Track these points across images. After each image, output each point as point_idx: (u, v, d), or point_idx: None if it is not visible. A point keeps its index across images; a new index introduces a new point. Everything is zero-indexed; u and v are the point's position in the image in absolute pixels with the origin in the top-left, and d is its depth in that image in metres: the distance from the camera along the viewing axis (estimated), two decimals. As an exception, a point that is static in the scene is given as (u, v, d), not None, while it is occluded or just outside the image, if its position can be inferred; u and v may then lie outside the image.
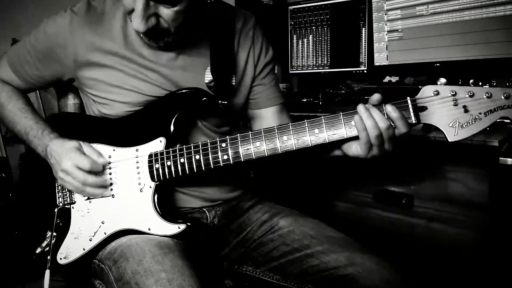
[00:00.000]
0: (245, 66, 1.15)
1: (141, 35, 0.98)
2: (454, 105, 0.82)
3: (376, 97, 0.91)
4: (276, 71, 1.24)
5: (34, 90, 1.23)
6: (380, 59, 1.80)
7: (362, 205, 1.67)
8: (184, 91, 1.05)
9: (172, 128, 1.03)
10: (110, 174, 1.06)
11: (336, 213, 1.75)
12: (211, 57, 1.10)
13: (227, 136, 0.97)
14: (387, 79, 1.90)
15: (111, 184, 1.05)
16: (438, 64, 1.63)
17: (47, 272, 1.03)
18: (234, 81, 1.12)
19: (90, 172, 1.01)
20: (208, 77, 1.09)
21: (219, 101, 1.05)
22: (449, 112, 0.83)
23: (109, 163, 1.06)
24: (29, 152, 1.14)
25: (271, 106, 1.20)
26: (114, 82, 1.06)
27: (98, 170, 1.02)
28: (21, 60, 1.14)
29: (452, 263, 1.44)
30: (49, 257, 1.05)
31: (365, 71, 1.87)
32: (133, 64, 1.06)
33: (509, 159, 1.08)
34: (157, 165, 1.01)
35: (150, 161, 1.02)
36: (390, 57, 1.77)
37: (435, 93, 0.84)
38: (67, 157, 1.01)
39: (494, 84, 0.81)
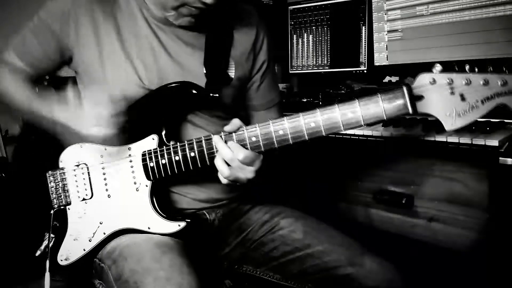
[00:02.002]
0: (243, 61, 1.14)
1: (191, 14, 0.98)
2: (451, 94, 0.81)
3: (232, 126, 0.95)
4: (276, 70, 1.24)
5: (42, 76, 1.17)
6: (380, 59, 1.80)
7: (362, 205, 1.67)
8: (172, 85, 1.03)
9: (163, 124, 1.01)
10: (104, 174, 1.05)
11: (336, 213, 1.74)
12: (205, 48, 1.08)
13: (221, 130, 0.96)
14: (387, 79, 1.90)
15: (106, 184, 1.04)
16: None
17: (47, 274, 1.03)
18: (228, 73, 1.10)
19: None
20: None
21: (210, 94, 1.04)
22: (446, 101, 0.81)
23: (102, 162, 1.04)
24: (20, 152, 1.13)
25: (267, 108, 1.20)
26: (109, 62, 1.04)
27: None
28: (25, 43, 1.10)
29: (452, 263, 1.44)
30: (48, 260, 1.04)
31: (365, 71, 1.87)
32: (133, 46, 1.04)
33: (509, 159, 1.08)
34: (151, 164, 1.00)
35: (144, 160, 1.00)
36: (390, 57, 1.77)
37: (432, 81, 0.82)
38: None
39: (491, 70, 0.79)
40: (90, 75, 1.07)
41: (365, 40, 1.84)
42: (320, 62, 1.99)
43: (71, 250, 1.06)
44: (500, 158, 1.09)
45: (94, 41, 1.04)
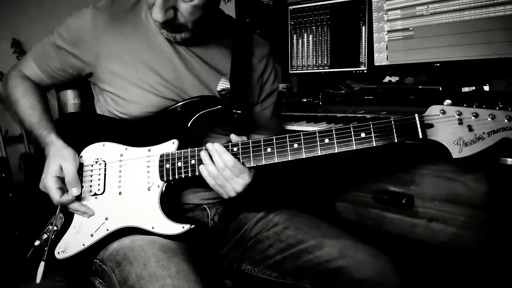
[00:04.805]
0: (254, 86, 1.20)
1: (161, 28, 1.03)
2: (459, 124, 0.86)
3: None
4: (278, 98, 1.31)
5: (57, 85, 1.24)
6: (380, 59, 1.80)
7: (362, 205, 1.67)
8: (199, 98, 1.07)
9: (186, 131, 1.05)
10: (120, 172, 1.07)
11: (336, 213, 1.74)
12: (232, 66, 1.14)
13: (239, 141, 0.99)
14: (387, 79, 1.90)
15: (120, 181, 1.07)
16: (438, 64, 1.63)
17: (42, 264, 1.03)
18: (249, 93, 1.17)
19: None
20: (222, 85, 1.12)
21: (234, 110, 1.08)
22: (454, 130, 0.87)
23: (120, 161, 1.08)
24: (31, 153, 1.15)
25: (266, 133, 1.23)
26: (132, 79, 1.08)
27: (67, 203, 1.04)
28: (44, 53, 1.16)
29: (452, 263, 1.44)
30: (46, 248, 1.05)
31: (365, 71, 1.87)
32: (154, 60, 1.08)
33: (509, 159, 1.08)
34: (167, 165, 1.03)
35: (161, 161, 1.04)
36: (390, 57, 1.77)
37: (442, 112, 0.88)
38: (43, 181, 1.04)
39: (499, 107, 0.85)
40: (113, 88, 1.10)
41: (365, 40, 1.84)
42: (320, 62, 1.99)
43: (70, 243, 1.06)
44: (500, 158, 1.09)
45: (116, 59, 1.08)
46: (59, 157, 1.04)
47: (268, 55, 1.25)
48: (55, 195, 1.02)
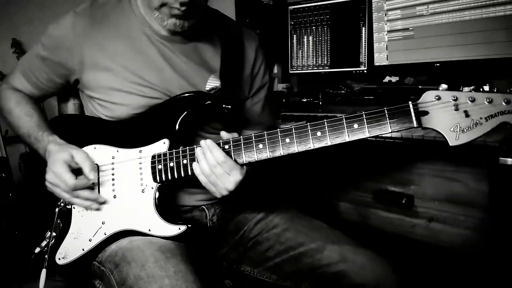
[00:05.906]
0: (244, 80, 1.18)
1: (170, 17, 1.00)
2: (455, 110, 0.83)
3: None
4: (269, 92, 1.28)
5: (48, 96, 1.23)
6: (380, 59, 1.80)
7: (362, 205, 1.67)
8: (187, 94, 1.05)
9: (176, 130, 1.03)
10: (112, 175, 1.06)
11: (336, 213, 1.74)
12: (221, 61, 1.12)
13: (230, 138, 0.97)
14: (387, 79, 1.90)
15: (113, 184, 1.06)
16: (438, 64, 1.63)
17: (43, 271, 1.03)
18: (239, 89, 1.15)
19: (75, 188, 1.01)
20: (211, 84, 1.10)
21: (224, 105, 1.06)
22: (450, 116, 0.83)
23: (112, 163, 1.06)
24: (31, 152, 1.15)
25: (258, 128, 1.21)
26: (116, 85, 1.07)
27: (83, 187, 1.02)
28: (30, 66, 1.16)
29: (452, 263, 1.44)
30: (46, 256, 1.05)
31: (365, 71, 1.87)
32: (137, 64, 1.07)
33: (509, 159, 1.08)
34: (159, 166, 1.01)
35: (153, 162, 1.02)
36: (390, 57, 1.77)
37: (437, 97, 0.84)
38: (52, 169, 1.01)
39: (495, 90, 0.82)
40: (99, 94, 1.09)
41: (365, 40, 1.84)
42: (320, 62, 1.99)
43: (70, 249, 1.06)
44: (500, 158, 1.09)
45: (99, 64, 1.07)
46: (69, 148, 1.04)
47: (258, 47, 1.21)
48: (69, 179, 0.99)
